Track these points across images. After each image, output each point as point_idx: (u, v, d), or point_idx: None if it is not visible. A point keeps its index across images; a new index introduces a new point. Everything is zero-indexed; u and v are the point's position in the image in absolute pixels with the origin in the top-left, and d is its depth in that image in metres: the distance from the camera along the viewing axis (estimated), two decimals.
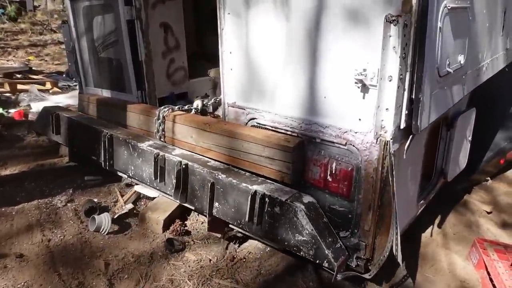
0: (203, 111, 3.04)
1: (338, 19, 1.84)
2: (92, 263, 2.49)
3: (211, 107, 3.17)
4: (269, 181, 2.16)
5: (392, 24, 1.64)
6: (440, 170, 2.84)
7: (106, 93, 3.31)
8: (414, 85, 1.78)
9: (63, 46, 10.57)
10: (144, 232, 2.85)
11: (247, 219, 2.10)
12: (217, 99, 3.11)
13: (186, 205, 2.66)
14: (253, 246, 2.62)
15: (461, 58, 2.25)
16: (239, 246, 2.63)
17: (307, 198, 2.03)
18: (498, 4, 3.10)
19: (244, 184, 2.11)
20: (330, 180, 2.04)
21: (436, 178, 2.86)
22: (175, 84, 3.35)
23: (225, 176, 2.19)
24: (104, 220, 2.78)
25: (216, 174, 2.22)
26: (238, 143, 2.23)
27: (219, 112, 3.14)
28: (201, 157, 2.44)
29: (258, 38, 2.16)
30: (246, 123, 2.34)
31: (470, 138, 3.06)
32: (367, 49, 1.76)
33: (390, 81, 1.71)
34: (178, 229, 2.80)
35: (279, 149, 2.07)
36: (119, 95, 3.18)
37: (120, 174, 3.15)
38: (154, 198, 3.08)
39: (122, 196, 3.20)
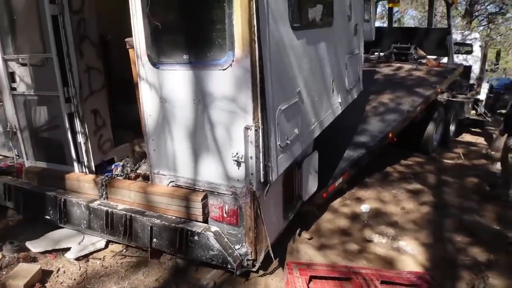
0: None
1: (224, 124, 3.39)
2: None
3: (135, 169, 4.54)
4: (188, 220, 3.62)
5: (248, 130, 3.22)
6: (298, 195, 4.56)
7: (48, 166, 4.46)
8: (266, 158, 3.40)
9: None
10: None
11: (177, 246, 3.53)
12: (140, 163, 4.50)
13: (131, 244, 3.99)
14: None
15: (296, 130, 3.93)
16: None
17: (213, 228, 3.54)
18: (326, 78, 4.92)
19: (173, 224, 3.54)
20: (225, 216, 3.56)
21: (295, 201, 4.57)
22: (104, 153, 4.60)
23: (159, 221, 3.60)
24: None
25: (153, 220, 3.62)
26: (166, 199, 3.66)
27: (140, 169, 4.52)
28: (139, 209, 3.81)
29: (170, 133, 3.62)
30: (168, 185, 3.77)
31: (316, 171, 4.81)
32: (239, 144, 3.32)
33: (251, 159, 3.29)
34: None
35: (192, 201, 3.55)
36: (61, 167, 4.36)
37: (71, 228, 4.31)
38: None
39: None
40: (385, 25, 13.69)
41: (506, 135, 6.52)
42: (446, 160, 8.88)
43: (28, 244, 4.21)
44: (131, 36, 3.59)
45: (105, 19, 4.69)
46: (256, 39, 3.07)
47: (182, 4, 3.42)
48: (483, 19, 19.82)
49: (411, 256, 4.62)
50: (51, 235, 4.40)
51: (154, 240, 3.66)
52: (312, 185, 4.67)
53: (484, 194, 6.66)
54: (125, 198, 3.89)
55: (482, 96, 12.91)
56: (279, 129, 3.50)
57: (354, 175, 6.01)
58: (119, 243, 4.30)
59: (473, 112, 12.41)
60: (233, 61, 3.16)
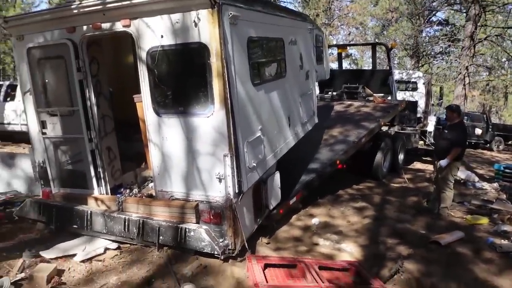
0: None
1: (208, 153, 5.25)
2: None
3: (140, 190, 6.32)
4: (185, 223, 5.40)
5: (226, 157, 5.09)
6: (265, 204, 6.40)
7: (72, 191, 6.19)
8: (238, 176, 5.25)
9: None
10: (33, 286, 4.84)
11: (178, 240, 5.31)
12: (145, 185, 6.29)
13: (139, 244, 5.71)
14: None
15: (260, 156, 5.83)
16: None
17: (204, 227, 5.32)
18: (282, 116, 6.90)
19: (175, 225, 5.33)
20: (212, 217, 5.35)
21: (264, 209, 6.40)
22: (116, 180, 6.30)
23: (165, 223, 5.37)
24: (5, 281, 4.70)
25: (160, 222, 5.39)
26: (168, 208, 5.45)
27: (143, 190, 6.28)
28: (148, 216, 5.57)
29: (170, 161, 5.45)
30: (169, 198, 5.57)
31: (279, 187, 6.67)
32: (220, 166, 5.17)
33: (228, 176, 5.13)
34: (57, 281, 4.92)
35: (188, 208, 5.35)
36: (83, 191, 6.08)
37: (94, 234, 5.96)
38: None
39: (12, 268, 5.27)
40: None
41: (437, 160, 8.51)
42: (393, 184, 10.92)
43: (42, 253, 5.69)
44: (127, 88, 5.45)
45: (110, 78, 6.55)
46: (228, 96, 4.99)
47: (176, 74, 5.32)
48: (429, 59, 22.82)
49: (349, 253, 6.35)
50: (60, 246, 5.91)
51: (161, 237, 5.41)
52: (275, 197, 6.54)
53: (420, 208, 8.62)
54: (136, 209, 5.65)
55: (430, 128, 15.23)
56: (247, 155, 5.40)
57: (307, 196, 7.88)
58: (127, 243, 5.96)
59: (421, 142, 14.66)
60: (213, 111, 5.06)
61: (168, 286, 5.07)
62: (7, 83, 15.06)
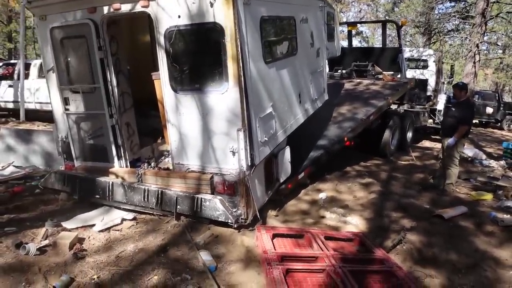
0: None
1: (223, 128, 5.65)
2: (29, 269, 4.86)
3: (160, 163, 6.75)
4: (201, 193, 5.84)
5: (239, 131, 5.47)
6: (276, 177, 6.82)
7: (94, 164, 6.63)
8: (251, 149, 5.65)
9: None
10: (57, 252, 5.25)
11: (194, 210, 5.75)
12: (162, 159, 6.73)
13: (157, 212, 6.18)
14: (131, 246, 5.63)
15: (272, 131, 6.22)
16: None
17: (219, 197, 5.76)
18: (293, 93, 7.26)
19: (192, 195, 5.77)
20: (226, 189, 5.77)
21: (274, 182, 6.82)
22: (134, 154, 6.73)
23: (182, 193, 5.82)
24: (31, 247, 5.13)
25: (177, 193, 5.83)
26: (184, 180, 5.88)
27: (160, 164, 6.73)
28: (166, 187, 6.01)
29: (186, 136, 5.86)
30: (185, 171, 6.00)
31: (289, 161, 7.06)
32: (233, 140, 5.56)
33: (242, 150, 5.54)
34: (79, 248, 5.31)
35: (204, 180, 5.78)
36: (104, 164, 6.53)
37: (115, 204, 6.43)
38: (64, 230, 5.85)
39: (36, 236, 5.66)
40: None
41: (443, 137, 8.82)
42: (400, 161, 11.26)
43: (63, 223, 6.15)
44: (143, 66, 5.86)
45: (128, 56, 6.93)
46: (241, 74, 5.35)
47: (192, 53, 5.70)
48: (440, 36, 22.83)
49: (354, 225, 6.71)
50: (79, 217, 6.38)
51: (178, 206, 5.86)
52: (286, 171, 6.95)
53: (426, 184, 8.97)
54: (155, 181, 6.09)
55: (440, 106, 15.43)
56: (259, 130, 5.79)
57: (315, 172, 8.27)
58: (143, 215, 6.45)
59: (430, 121, 14.91)
60: (228, 88, 5.43)
61: (182, 253, 5.50)
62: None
